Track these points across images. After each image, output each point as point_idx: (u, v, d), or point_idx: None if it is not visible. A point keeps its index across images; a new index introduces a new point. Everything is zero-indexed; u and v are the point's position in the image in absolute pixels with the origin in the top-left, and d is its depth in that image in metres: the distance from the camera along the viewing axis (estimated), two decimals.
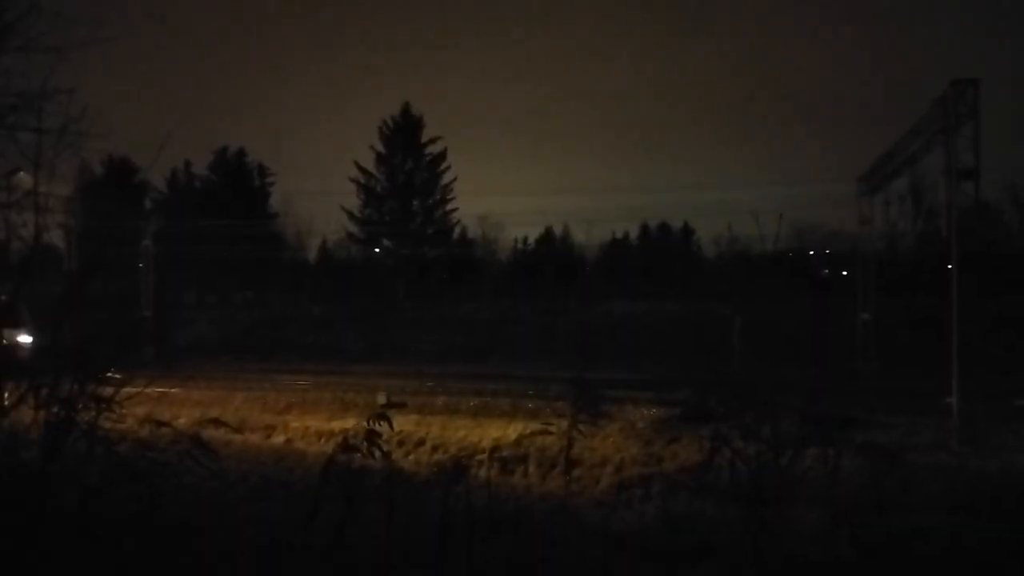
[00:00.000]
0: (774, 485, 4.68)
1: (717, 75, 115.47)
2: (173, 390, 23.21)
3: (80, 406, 4.43)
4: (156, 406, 5.37)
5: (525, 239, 76.53)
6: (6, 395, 4.77)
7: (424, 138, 61.07)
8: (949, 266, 18.92)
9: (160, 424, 4.48)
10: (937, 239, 46.37)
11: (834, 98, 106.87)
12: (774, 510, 4.72)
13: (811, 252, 63.95)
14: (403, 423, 18.47)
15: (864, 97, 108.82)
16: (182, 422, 6.52)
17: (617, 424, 18.45)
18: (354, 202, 61.29)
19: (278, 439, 20.36)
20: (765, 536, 4.60)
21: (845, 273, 53.21)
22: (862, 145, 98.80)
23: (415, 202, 61.44)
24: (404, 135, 60.69)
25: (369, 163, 61.07)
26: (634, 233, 78.31)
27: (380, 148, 60.99)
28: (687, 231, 77.36)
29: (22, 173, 5.21)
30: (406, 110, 61.06)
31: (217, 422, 5.20)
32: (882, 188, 29.36)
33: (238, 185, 64.02)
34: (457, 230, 64.55)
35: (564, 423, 5.16)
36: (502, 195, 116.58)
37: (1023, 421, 18.85)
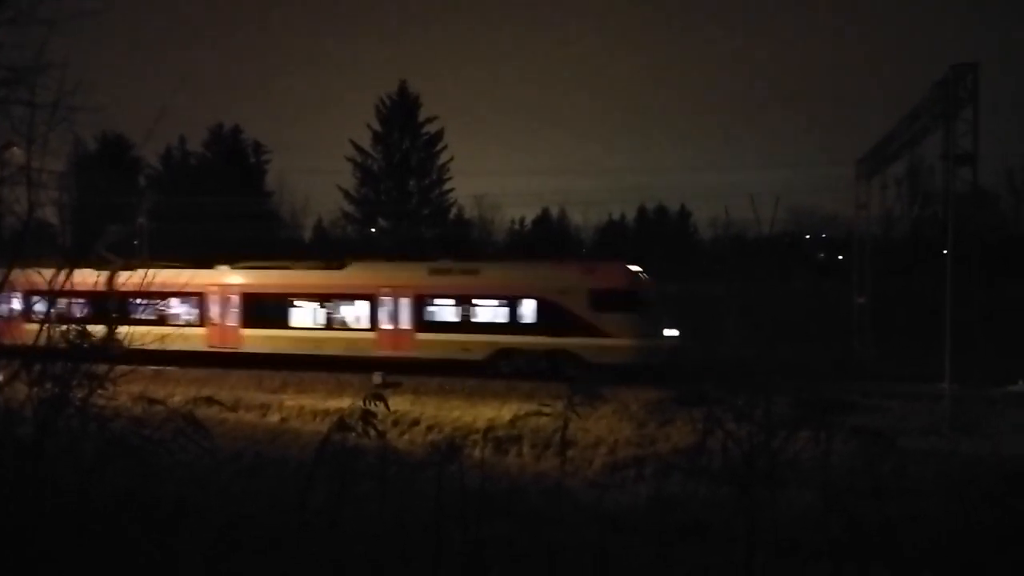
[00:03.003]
0: (767, 467, 4.69)
1: (715, 58, 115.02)
2: (168, 368, 23.24)
3: (74, 383, 4.42)
4: (151, 384, 5.37)
5: (522, 220, 76.62)
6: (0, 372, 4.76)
7: (421, 117, 60.80)
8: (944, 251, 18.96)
9: (153, 402, 4.47)
10: (933, 224, 46.44)
11: (832, 82, 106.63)
12: (766, 492, 4.73)
13: (807, 236, 64.10)
14: (398, 403, 18.51)
15: (862, 82, 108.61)
16: (176, 400, 6.52)
17: (611, 406, 18.50)
18: (350, 181, 61.18)
19: (273, 418, 20.38)
20: (757, 517, 4.61)
21: (841, 257, 53.35)
22: (859, 130, 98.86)
23: (411, 182, 61.23)
24: (401, 114, 60.36)
25: (366, 142, 60.87)
26: (631, 215, 78.45)
27: (377, 127, 60.74)
28: (684, 213, 77.51)
29: (15, 148, 5.15)
30: (403, 89, 60.72)
31: (211, 400, 5.19)
32: (879, 172, 29.29)
33: (233, 163, 63.72)
34: (453, 210, 64.54)
35: (559, 404, 5.16)
36: (499, 175, 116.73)
37: (1016, 406, 18.97)
